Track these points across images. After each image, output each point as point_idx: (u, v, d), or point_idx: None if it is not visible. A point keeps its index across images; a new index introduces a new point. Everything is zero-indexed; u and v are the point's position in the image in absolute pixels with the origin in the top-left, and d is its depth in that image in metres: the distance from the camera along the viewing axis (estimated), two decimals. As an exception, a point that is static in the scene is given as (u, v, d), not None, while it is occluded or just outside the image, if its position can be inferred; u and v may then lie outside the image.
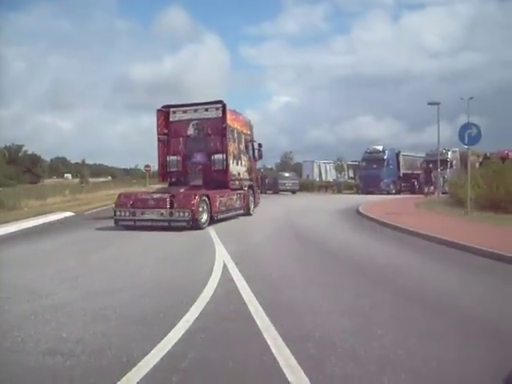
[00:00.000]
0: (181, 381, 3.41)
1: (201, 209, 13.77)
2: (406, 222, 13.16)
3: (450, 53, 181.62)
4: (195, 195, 13.78)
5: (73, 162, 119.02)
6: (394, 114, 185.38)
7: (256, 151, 19.60)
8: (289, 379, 3.38)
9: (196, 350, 3.97)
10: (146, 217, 13.77)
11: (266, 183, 38.61)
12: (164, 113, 16.93)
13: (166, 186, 17.52)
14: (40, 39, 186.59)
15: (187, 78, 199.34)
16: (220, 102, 16.31)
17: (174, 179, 17.23)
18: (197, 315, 4.94)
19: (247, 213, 17.88)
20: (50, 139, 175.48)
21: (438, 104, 26.62)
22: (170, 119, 16.97)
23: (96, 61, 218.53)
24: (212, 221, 14.39)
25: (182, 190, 14.88)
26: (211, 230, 12.73)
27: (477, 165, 27.34)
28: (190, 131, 16.71)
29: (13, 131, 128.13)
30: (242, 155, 17.84)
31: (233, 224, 15.01)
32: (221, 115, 16.15)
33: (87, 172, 68.55)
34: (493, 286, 6.67)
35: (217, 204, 14.91)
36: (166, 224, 13.50)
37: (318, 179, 51.83)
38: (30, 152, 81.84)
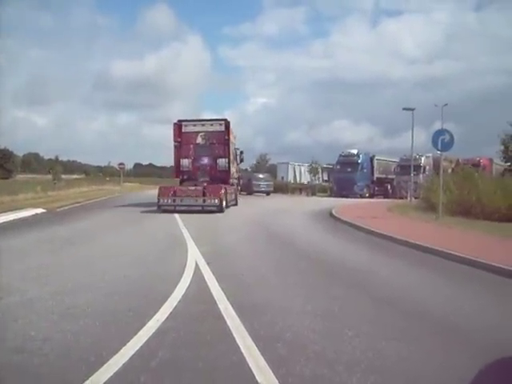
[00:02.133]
0: (150, 380, 3.39)
1: (224, 197, 18.52)
2: (377, 226, 13.30)
3: (427, 60, 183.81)
4: (221, 187, 18.85)
5: (46, 158, 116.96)
6: (371, 119, 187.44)
7: (238, 156, 24.64)
8: (258, 380, 3.39)
9: (166, 350, 3.96)
10: (185, 203, 18.30)
11: (239, 184, 38.52)
12: (178, 125, 21.45)
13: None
14: (17, 32, 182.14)
15: (167, 77, 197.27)
16: (224, 119, 21.56)
17: (185, 176, 21.64)
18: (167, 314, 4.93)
19: (236, 203, 22.89)
20: (24, 134, 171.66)
21: (412, 110, 27.11)
22: (183, 130, 21.42)
23: (76, 56, 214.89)
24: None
25: (205, 184, 19.39)
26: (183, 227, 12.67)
27: (449, 170, 27.75)
28: (199, 140, 21.45)
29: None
30: (233, 159, 22.93)
31: (204, 223, 14.98)
32: (223, 129, 21.12)
33: (60, 169, 67.24)
34: (462, 290, 6.80)
35: (228, 195, 19.83)
36: (199, 208, 18.20)
37: (292, 181, 51.91)
38: (1, 147, 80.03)
